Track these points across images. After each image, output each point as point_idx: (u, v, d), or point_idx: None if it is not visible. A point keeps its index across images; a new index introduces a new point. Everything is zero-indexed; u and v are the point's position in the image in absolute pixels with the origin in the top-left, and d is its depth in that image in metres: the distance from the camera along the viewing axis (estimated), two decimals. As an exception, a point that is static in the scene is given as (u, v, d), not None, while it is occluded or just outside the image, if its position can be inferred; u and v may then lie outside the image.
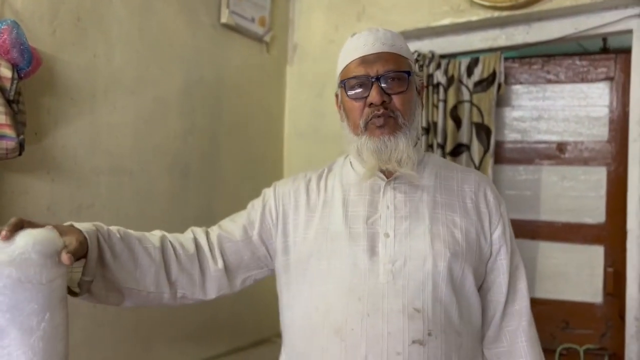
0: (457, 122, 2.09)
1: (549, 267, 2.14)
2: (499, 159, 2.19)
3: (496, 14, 2.00)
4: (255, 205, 1.34)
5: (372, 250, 1.15)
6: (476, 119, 2.06)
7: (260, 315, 2.28)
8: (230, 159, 2.20)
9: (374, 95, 1.15)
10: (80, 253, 1.02)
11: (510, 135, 2.20)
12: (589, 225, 2.08)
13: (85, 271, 1.06)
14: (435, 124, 2.12)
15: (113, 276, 1.11)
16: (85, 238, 1.03)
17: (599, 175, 2.07)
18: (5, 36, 1.38)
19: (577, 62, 2.10)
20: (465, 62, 2.10)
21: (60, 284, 0.97)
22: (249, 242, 1.29)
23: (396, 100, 1.17)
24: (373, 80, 1.16)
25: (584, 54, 2.11)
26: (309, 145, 2.41)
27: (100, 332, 1.71)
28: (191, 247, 1.24)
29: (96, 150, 1.71)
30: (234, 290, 1.31)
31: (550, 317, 2.11)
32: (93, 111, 1.70)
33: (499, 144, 2.20)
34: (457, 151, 2.09)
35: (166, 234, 1.24)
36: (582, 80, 2.09)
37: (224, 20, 2.12)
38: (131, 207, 1.81)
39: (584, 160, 2.09)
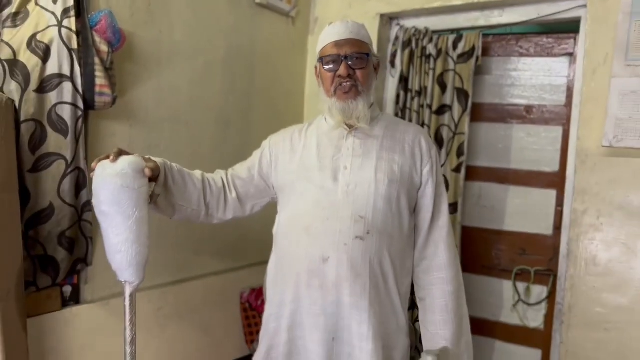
0: (443, 87, 2.58)
1: (514, 206, 2.64)
2: (478, 118, 2.67)
3: (476, 0, 2.46)
4: (256, 153, 1.92)
5: (335, 177, 1.68)
6: (458, 84, 2.54)
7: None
8: (261, 114, 2.74)
9: (342, 70, 1.64)
10: (155, 174, 1.58)
11: (488, 98, 2.67)
12: (546, 173, 2.56)
13: (156, 188, 1.63)
14: (425, 88, 2.61)
15: (171, 195, 1.69)
16: (157, 166, 1.60)
17: (556, 134, 2.53)
18: (103, 22, 1.93)
19: (544, 40, 2.54)
20: (452, 37, 2.57)
21: (145, 190, 1.53)
22: (252, 179, 1.86)
23: (359, 73, 1.66)
24: (342, 58, 1.65)
25: (550, 32, 2.55)
26: (326, 103, 2.93)
27: (163, 239, 2.30)
28: (219, 182, 1.82)
29: (161, 104, 2.27)
30: (245, 214, 1.90)
31: (511, 245, 2.64)
32: (159, 75, 2.25)
33: (479, 105, 2.67)
34: (442, 111, 2.58)
35: (204, 173, 1.82)
36: (548, 55, 2.54)
37: (258, 0, 2.63)
38: (186, 148, 2.38)
39: (545, 120, 2.56)
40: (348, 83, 1.65)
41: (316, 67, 1.78)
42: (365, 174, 1.67)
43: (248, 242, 2.70)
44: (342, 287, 1.63)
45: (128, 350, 1.57)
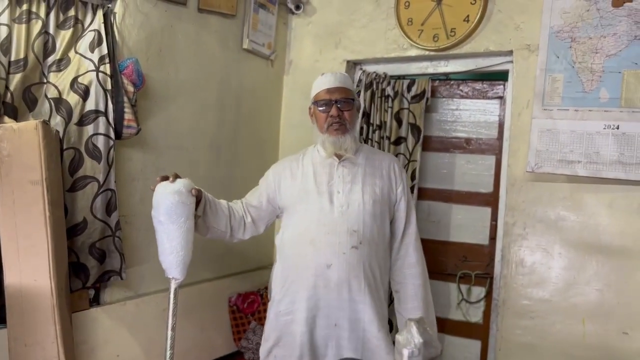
0: (399, 122, 3.11)
1: (457, 220, 3.17)
2: (427, 148, 3.20)
3: (426, 52, 3.01)
4: (262, 182, 2.30)
5: (331, 200, 2.11)
6: (411, 120, 3.07)
7: (262, 250, 3.29)
8: (245, 141, 3.18)
9: (333, 112, 2.10)
10: (199, 196, 1.93)
11: (435, 132, 3.21)
12: (483, 194, 3.10)
13: (197, 211, 1.97)
14: (385, 122, 3.13)
15: (207, 218, 2.04)
16: (200, 190, 1.96)
17: (490, 161, 3.07)
18: (130, 67, 2.33)
19: (480, 85, 3.11)
20: (406, 82, 3.10)
21: (193, 206, 1.89)
22: (261, 205, 2.23)
23: (346, 114, 2.12)
24: (333, 102, 2.11)
25: (484, 79, 3.13)
26: (298, 132, 3.40)
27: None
28: (240, 210, 2.20)
29: (167, 134, 2.67)
30: (260, 232, 2.27)
31: (455, 253, 3.16)
32: (166, 109, 2.66)
33: (428, 138, 3.21)
34: (398, 142, 3.10)
35: (227, 201, 2.17)
36: (483, 97, 3.11)
37: (245, 46, 3.08)
38: (186, 171, 2.68)
39: (482, 150, 3.11)
40: (338, 123, 2.10)
41: (310, 108, 2.23)
42: (354, 197, 2.12)
43: (234, 254, 3.11)
44: (343, 287, 2.07)
45: (169, 334, 1.90)
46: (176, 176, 1.90)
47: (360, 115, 3.13)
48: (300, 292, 2.12)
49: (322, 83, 2.17)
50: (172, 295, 1.90)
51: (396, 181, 2.21)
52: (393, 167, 2.23)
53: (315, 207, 2.12)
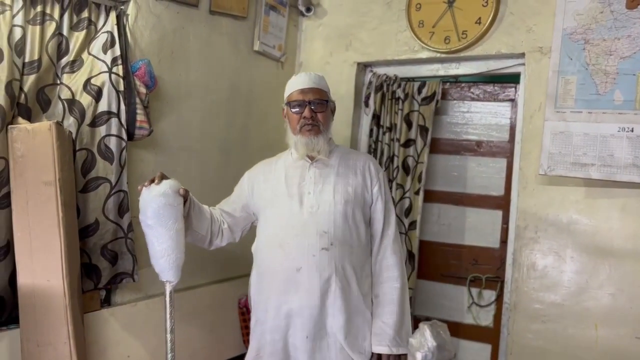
0: (409, 125, 3.09)
1: (468, 223, 3.16)
2: (438, 151, 3.19)
3: (438, 55, 3.00)
4: (236, 189, 2.29)
5: (301, 202, 2.07)
6: (421, 122, 3.06)
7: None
8: (256, 144, 3.17)
9: (306, 113, 2.06)
10: (186, 196, 1.92)
11: (445, 135, 3.20)
12: (494, 197, 3.09)
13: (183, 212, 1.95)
14: (395, 125, 3.12)
15: (190, 220, 2.02)
16: (187, 191, 1.94)
17: (501, 164, 3.06)
18: (143, 69, 2.34)
19: (491, 88, 3.10)
20: (417, 84, 3.09)
21: (180, 207, 1.88)
22: (235, 211, 2.22)
23: (319, 115, 2.08)
24: (307, 103, 2.07)
25: (496, 82, 3.12)
26: (308, 135, 3.40)
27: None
28: (219, 216, 2.19)
29: (178, 136, 2.67)
30: (237, 240, 2.26)
31: (465, 256, 3.15)
32: (178, 110, 2.66)
33: (438, 140, 3.20)
34: (407, 144, 3.09)
35: (209, 206, 2.17)
36: (494, 100, 3.10)
37: (255, 48, 3.08)
38: (196, 173, 2.77)
39: (493, 153, 3.10)
40: (311, 124, 2.06)
41: (283, 109, 2.20)
42: (325, 197, 2.07)
43: (243, 256, 3.08)
44: (314, 291, 2.01)
45: (169, 337, 1.89)
46: (162, 177, 1.87)
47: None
48: (271, 298, 2.08)
49: (296, 84, 2.13)
50: (167, 299, 1.88)
51: (372, 181, 2.15)
52: (368, 167, 2.17)
53: (285, 209, 2.08)
